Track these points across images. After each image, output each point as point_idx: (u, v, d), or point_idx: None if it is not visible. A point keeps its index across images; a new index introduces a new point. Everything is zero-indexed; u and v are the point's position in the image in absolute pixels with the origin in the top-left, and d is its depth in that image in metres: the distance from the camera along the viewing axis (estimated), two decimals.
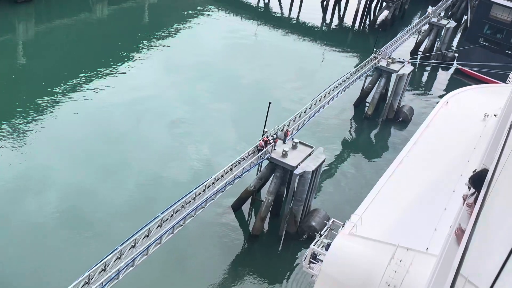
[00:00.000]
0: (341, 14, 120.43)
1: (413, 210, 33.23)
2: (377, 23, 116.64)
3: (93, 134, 57.62)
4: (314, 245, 32.97)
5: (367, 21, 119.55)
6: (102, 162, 53.44)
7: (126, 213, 47.30)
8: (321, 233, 34.60)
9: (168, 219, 37.21)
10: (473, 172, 13.48)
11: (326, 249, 31.09)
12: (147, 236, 35.38)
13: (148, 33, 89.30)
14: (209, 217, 47.95)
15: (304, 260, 32.83)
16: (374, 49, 72.05)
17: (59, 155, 53.45)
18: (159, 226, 36.41)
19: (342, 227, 31.52)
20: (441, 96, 62.69)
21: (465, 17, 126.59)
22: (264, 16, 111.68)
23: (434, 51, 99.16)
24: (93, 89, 66.90)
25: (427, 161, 39.98)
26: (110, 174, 52.00)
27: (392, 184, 36.19)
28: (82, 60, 75.14)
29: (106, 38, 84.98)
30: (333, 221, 35.74)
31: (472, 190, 12.81)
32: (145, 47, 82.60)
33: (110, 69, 73.02)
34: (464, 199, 13.27)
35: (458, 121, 47.11)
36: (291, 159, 46.13)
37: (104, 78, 70.18)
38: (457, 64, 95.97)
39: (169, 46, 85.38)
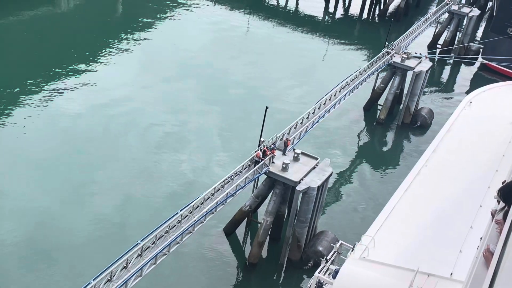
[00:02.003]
0: (347, 2, 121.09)
1: (434, 229, 33.31)
2: (389, 12, 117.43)
3: (56, 147, 57.52)
4: (319, 273, 33.00)
5: (377, 10, 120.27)
6: (67, 180, 53.23)
7: (99, 241, 47.14)
8: (327, 258, 34.65)
9: (149, 247, 37.08)
10: (502, 183, 13.62)
11: (334, 277, 31.10)
12: (125, 267, 35.28)
13: (121, 27, 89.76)
14: (198, 244, 47.89)
15: None
16: (386, 43, 72.46)
17: (14, 172, 53.25)
18: (139, 255, 36.31)
19: (352, 250, 31.53)
20: (465, 96, 63.02)
21: (490, 4, 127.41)
22: (257, 5, 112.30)
23: (455, 44, 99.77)
24: (56, 93, 67.03)
25: (449, 171, 40.11)
26: (78, 195, 51.80)
27: (408, 199, 36.28)
28: (44, 59, 75.43)
29: (72, 34, 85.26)
30: (341, 243, 35.80)
31: (502, 204, 12.90)
32: (117, 44, 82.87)
33: (76, 69, 73.17)
34: (493, 215, 13.37)
35: (484, 124, 47.30)
36: (293, 173, 46.15)
37: (69, 80, 70.36)
38: (482, 58, 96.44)
39: (145, 42, 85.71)
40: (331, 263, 34.23)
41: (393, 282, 28.06)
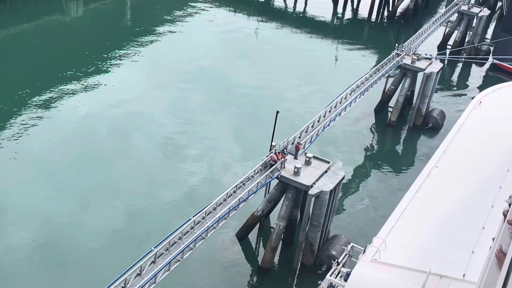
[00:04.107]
0: (355, 5, 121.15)
1: (446, 230, 33.27)
2: (398, 14, 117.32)
3: (66, 153, 57.90)
4: (330, 276, 33.07)
5: (386, 12, 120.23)
6: (82, 188, 53.54)
7: (113, 248, 47.35)
8: (339, 261, 34.69)
9: (163, 253, 37.20)
10: None
11: (345, 280, 31.20)
12: (139, 274, 35.38)
13: (131, 34, 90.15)
14: (211, 249, 48.00)
15: None
16: (396, 45, 72.41)
17: (29, 181, 53.60)
18: (153, 262, 36.42)
19: (363, 253, 31.61)
20: None
21: (499, 3, 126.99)
22: (265, 10, 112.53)
23: (466, 44, 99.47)
24: (66, 99, 67.66)
25: (459, 172, 39.99)
26: (92, 202, 52.08)
27: (419, 200, 36.23)
28: (54, 68, 75.97)
29: (82, 42, 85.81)
30: (352, 246, 35.83)
31: None
32: (128, 51, 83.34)
33: (87, 78, 73.67)
34: (505, 216, 13.47)
35: (494, 123, 47.13)
36: (305, 177, 46.14)
37: (81, 89, 70.85)
38: (492, 58, 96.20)
39: (156, 50, 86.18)
40: (343, 266, 34.31)
41: (405, 284, 28.08)
